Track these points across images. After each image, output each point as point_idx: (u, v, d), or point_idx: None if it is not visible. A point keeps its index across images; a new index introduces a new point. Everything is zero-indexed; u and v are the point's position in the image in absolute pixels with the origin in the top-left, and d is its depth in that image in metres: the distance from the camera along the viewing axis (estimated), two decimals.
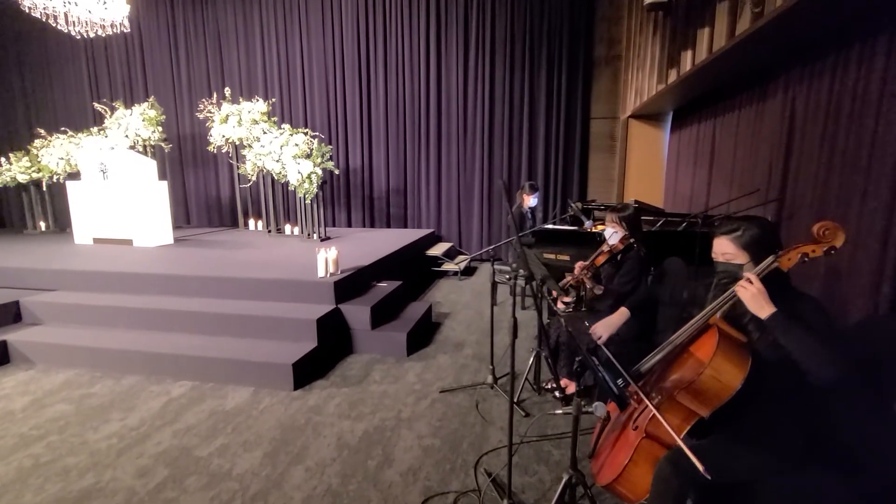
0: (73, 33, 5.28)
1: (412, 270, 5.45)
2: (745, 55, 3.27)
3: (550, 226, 4.32)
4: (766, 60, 3.42)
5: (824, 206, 2.73)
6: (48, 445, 2.33)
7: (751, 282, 1.39)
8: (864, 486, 1.46)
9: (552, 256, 3.86)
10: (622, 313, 2.17)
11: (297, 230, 6.29)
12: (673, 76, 4.19)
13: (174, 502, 1.93)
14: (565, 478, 1.62)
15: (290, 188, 5.52)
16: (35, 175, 6.71)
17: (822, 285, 2.61)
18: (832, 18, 2.51)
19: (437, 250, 6.32)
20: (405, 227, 7.34)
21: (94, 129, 6.62)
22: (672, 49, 4.20)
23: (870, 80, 2.36)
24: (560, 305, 3.43)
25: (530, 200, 4.76)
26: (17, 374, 3.19)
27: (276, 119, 6.12)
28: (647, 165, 6.42)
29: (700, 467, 1.22)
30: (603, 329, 2.11)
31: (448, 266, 6.14)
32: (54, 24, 5.13)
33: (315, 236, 5.75)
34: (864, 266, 2.24)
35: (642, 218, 4.12)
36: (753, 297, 1.37)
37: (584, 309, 3.11)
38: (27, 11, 4.94)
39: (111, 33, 5.54)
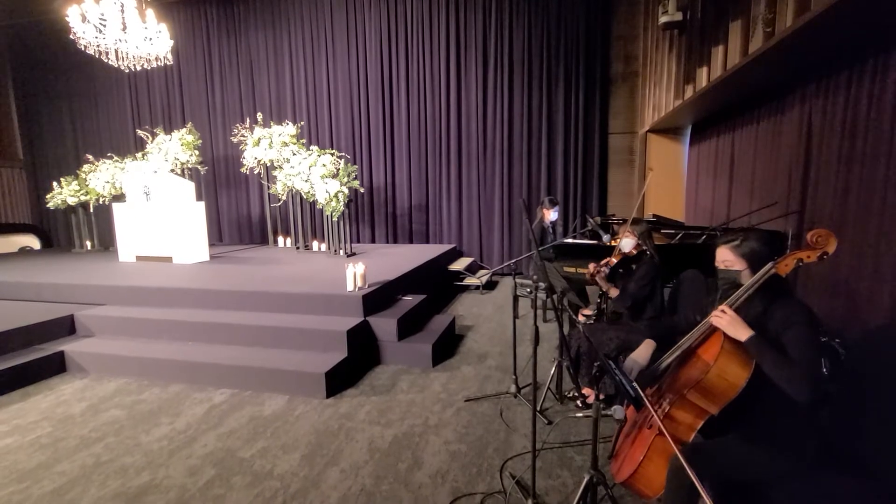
0: (122, 68, 5.73)
1: (435, 284, 5.59)
2: (760, 72, 3.35)
3: (570, 240, 4.41)
4: (782, 76, 3.48)
5: (844, 217, 2.76)
6: (106, 446, 2.54)
7: (724, 312, 1.52)
8: (878, 490, 1.51)
9: (572, 270, 3.95)
10: (649, 344, 2.00)
11: (323, 246, 6.54)
12: (689, 92, 4.28)
13: (222, 499, 2.08)
14: (586, 478, 1.71)
15: (318, 206, 5.78)
16: (83, 198, 7.19)
17: (843, 291, 2.63)
18: (844, 36, 2.58)
19: (459, 265, 6.46)
20: (427, 242, 7.52)
21: (139, 155, 7.08)
22: (688, 66, 4.30)
23: (884, 90, 2.42)
24: (580, 318, 3.52)
25: (551, 215, 4.87)
26: (73, 382, 3.45)
27: (304, 141, 6.44)
28: (666, 179, 6.45)
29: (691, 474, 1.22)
30: (632, 363, 1.94)
31: (470, 280, 6.27)
32: (105, 60, 5.58)
33: (341, 252, 5.98)
34: (886, 273, 2.28)
35: (662, 231, 4.20)
36: (729, 324, 1.50)
37: (604, 320, 3.19)
38: (83, 49, 5.40)
39: (155, 66, 5.99)
